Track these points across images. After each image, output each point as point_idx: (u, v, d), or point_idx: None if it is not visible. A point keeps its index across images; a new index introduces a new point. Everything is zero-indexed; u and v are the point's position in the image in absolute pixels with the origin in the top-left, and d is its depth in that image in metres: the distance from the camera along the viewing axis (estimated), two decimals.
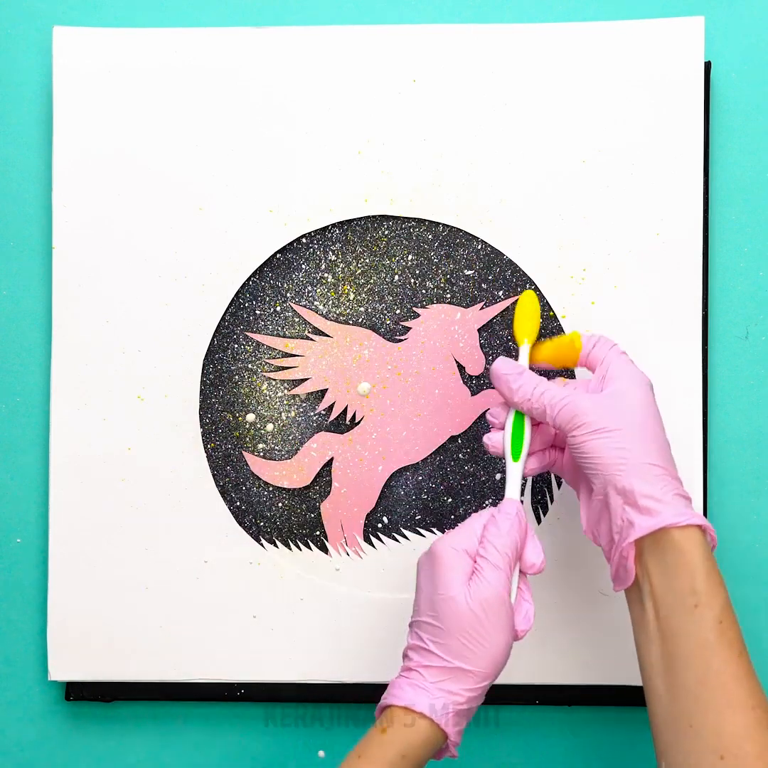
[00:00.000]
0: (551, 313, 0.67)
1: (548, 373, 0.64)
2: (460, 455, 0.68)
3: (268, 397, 0.68)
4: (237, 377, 0.68)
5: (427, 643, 0.53)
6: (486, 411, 0.62)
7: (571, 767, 0.68)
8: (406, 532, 0.68)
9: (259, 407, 0.68)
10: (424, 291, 0.68)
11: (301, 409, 0.68)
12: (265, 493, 0.68)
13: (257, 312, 0.68)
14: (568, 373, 0.66)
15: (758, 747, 0.48)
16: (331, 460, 0.68)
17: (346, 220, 0.68)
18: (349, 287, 0.68)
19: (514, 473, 0.58)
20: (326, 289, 0.68)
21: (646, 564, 0.52)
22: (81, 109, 0.67)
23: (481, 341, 0.68)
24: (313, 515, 0.68)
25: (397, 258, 0.68)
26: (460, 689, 0.53)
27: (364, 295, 0.68)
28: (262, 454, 0.68)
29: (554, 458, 0.60)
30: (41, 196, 0.69)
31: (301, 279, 0.68)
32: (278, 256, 0.68)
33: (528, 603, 0.56)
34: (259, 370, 0.68)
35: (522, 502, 0.57)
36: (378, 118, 0.67)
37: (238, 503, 0.68)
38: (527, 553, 0.56)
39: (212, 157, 0.67)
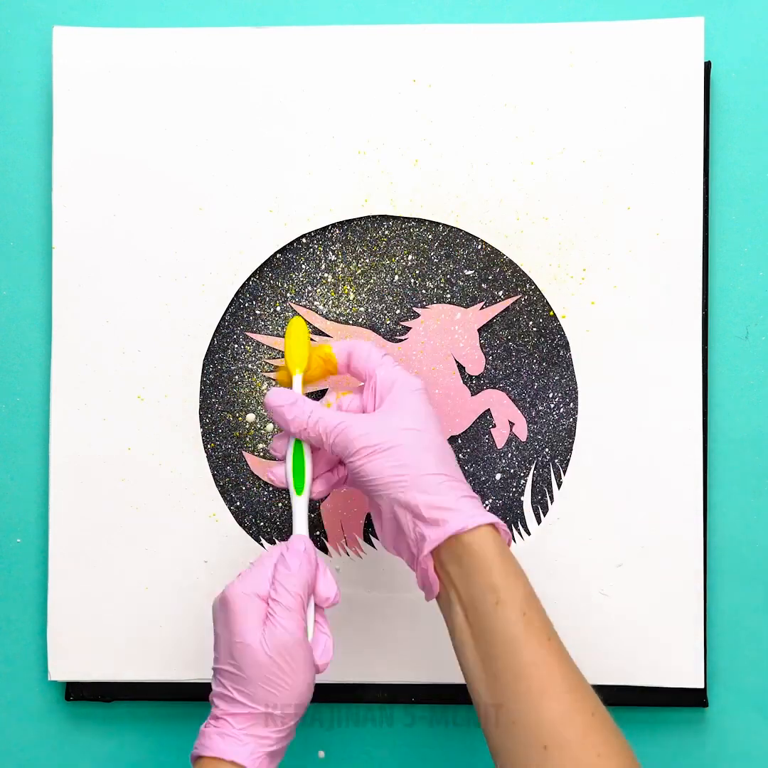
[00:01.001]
0: (551, 313, 0.67)
1: None
2: (459, 455, 0.68)
3: None
4: (237, 377, 0.68)
5: (231, 690, 0.53)
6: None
7: None
8: None
9: (259, 407, 0.68)
10: (424, 291, 0.68)
11: None
12: (265, 493, 0.68)
13: (257, 312, 0.68)
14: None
15: (578, 731, 0.48)
16: None
17: (346, 220, 0.68)
18: (349, 287, 0.68)
19: (300, 507, 0.57)
20: (326, 289, 0.68)
21: (447, 571, 0.52)
22: (81, 109, 0.67)
23: (481, 341, 0.68)
24: (313, 515, 0.68)
25: (397, 258, 0.68)
26: (268, 733, 0.53)
27: (364, 295, 0.68)
28: (262, 454, 0.68)
29: (343, 475, 0.59)
30: (41, 196, 0.69)
31: (301, 279, 0.68)
32: (278, 256, 0.68)
33: (326, 636, 0.56)
34: (259, 370, 0.68)
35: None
36: (378, 118, 0.67)
37: (238, 503, 0.68)
38: (320, 587, 0.56)
39: (212, 157, 0.67)
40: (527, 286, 0.67)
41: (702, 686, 0.66)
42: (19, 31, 0.69)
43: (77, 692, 0.68)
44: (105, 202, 0.67)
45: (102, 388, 0.67)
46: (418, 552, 0.53)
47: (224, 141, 0.67)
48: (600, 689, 0.67)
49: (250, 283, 0.68)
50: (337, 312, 0.68)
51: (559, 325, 0.67)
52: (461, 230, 0.67)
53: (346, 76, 0.67)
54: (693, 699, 0.67)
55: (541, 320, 0.67)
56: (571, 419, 0.67)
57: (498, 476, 0.68)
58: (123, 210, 0.67)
